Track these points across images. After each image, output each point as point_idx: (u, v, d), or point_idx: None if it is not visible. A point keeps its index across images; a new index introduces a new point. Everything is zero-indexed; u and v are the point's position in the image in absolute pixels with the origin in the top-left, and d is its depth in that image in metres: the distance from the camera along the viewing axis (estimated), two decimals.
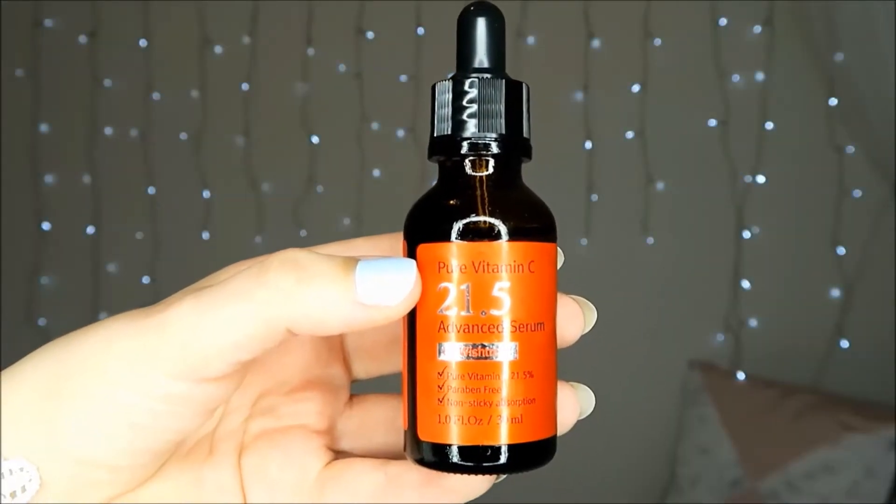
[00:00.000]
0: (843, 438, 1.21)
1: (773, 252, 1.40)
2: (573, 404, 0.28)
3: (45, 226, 1.63)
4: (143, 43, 1.56)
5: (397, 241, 0.28)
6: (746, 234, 1.41)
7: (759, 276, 1.41)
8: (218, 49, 1.56)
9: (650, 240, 1.44)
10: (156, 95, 1.57)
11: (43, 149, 1.61)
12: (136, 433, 0.25)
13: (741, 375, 1.37)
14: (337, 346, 0.31)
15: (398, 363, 0.30)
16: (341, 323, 0.24)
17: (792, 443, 1.24)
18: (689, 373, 1.42)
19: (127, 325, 0.25)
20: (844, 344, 1.36)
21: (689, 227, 1.45)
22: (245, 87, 1.54)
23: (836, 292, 1.38)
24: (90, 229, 1.61)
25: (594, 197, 1.45)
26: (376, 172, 1.51)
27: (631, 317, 1.45)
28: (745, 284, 1.40)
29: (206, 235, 1.56)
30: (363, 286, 0.24)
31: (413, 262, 0.26)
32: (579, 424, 0.29)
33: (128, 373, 0.24)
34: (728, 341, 1.42)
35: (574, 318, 0.28)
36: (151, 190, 1.59)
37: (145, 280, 1.58)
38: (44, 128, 1.61)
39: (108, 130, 1.60)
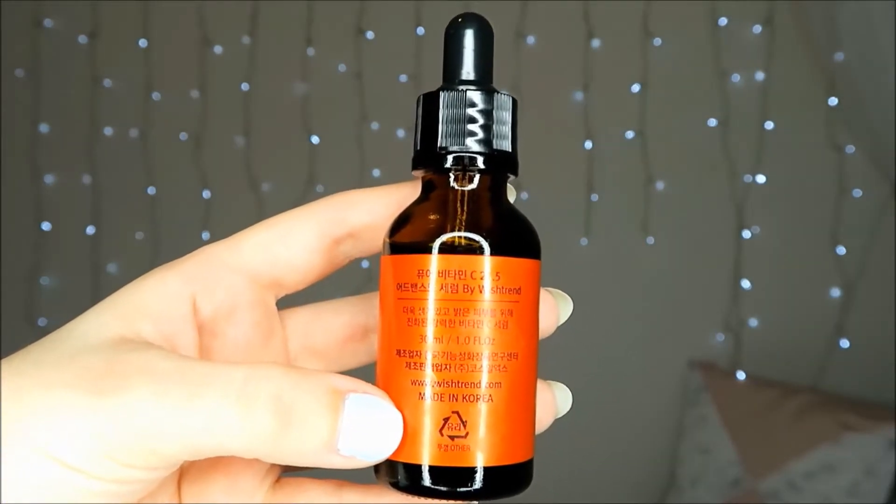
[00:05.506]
0: (843, 438, 1.21)
1: (773, 252, 1.40)
2: (549, 404, 0.27)
3: (45, 226, 1.63)
4: (143, 43, 1.56)
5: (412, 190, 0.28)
6: (746, 234, 1.40)
7: (759, 276, 1.40)
8: (218, 49, 1.56)
9: (650, 240, 1.44)
10: (156, 95, 1.57)
11: (43, 149, 1.61)
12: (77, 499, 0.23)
13: (741, 375, 1.37)
14: (281, 350, 0.29)
15: (351, 360, 0.30)
16: (312, 465, 0.24)
17: (792, 442, 1.24)
18: (689, 373, 1.41)
19: (75, 402, 0.23)
20: (844, 344, 1.36)
21: (689, 227, 1.45)
22: (245, 87, 1.54)
23: (836, 292, 1.37)
24: (90, 229, 1.61)
25: (594, 197, 1.45)
26: (376, 172, 1.51)
27: (631, 317, 1.45)
28: (745, 284, 1.40)
29: (206, 235, 1.56)
30: (345, 442, 0.24)
31: (399, 421, 0.25)
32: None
33: (76, 457, 0.22)
34: (728, 341, 1.42)
35: (549, 311, 0.28)
36: (151, 190, 1.59)
37: None
38: (44, 128, 1.61)
39: (108, 130, 1.60)
